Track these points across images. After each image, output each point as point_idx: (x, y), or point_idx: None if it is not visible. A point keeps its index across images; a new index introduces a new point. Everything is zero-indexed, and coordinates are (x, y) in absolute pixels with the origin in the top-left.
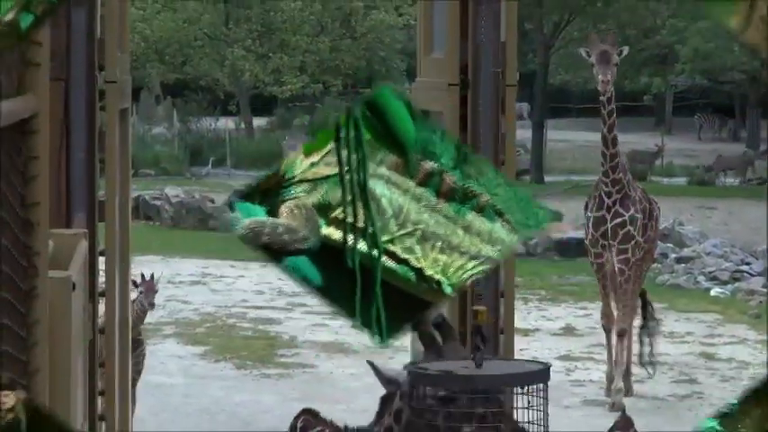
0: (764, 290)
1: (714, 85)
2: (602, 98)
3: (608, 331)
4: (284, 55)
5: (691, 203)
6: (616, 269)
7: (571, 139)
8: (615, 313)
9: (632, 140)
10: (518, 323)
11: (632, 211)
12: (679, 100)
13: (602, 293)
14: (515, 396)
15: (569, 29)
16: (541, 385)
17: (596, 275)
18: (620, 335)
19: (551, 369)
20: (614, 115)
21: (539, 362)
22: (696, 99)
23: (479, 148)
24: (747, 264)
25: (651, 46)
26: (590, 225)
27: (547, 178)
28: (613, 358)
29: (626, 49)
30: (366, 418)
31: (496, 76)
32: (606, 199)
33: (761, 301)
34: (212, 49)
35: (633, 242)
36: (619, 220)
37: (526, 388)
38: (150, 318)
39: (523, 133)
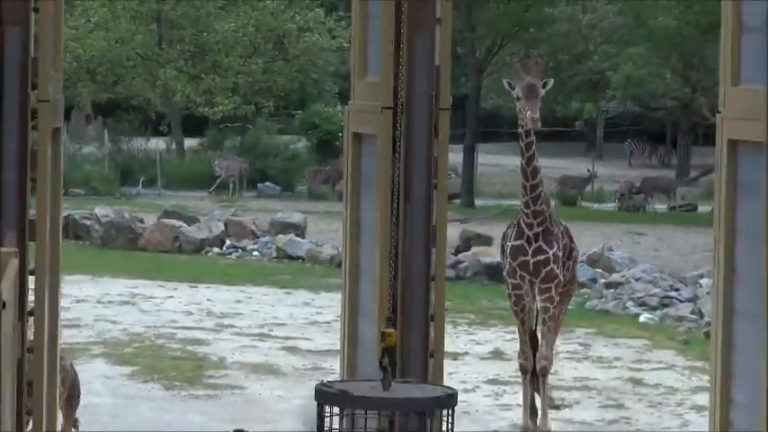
0: (693, 316)
1: (645, 112)
2: (520, 130)
3: (525, 372)
4: (216, 76)
5: (620, 229)
6: (539, 307)
7: (502, 163)
8: (532, 352)
9: (563, 165)
10: (447, 347)
11: (555, 249)
12: (610, 126)
13: (521, 329)
14: (426, 419)
15: (502, 53)
16: (448, 411)
17: (513, 308)
18: (543, 373)
19: (481, 393)
20: (534, 146)
21: (448, 387)
22: (627, 125)
23: (412, 171)
24: (676, 290)
25: (583, 71)
26: (508, 254)
27: (477, 202)
28: (529, 401)
29: (551, 82)
30: None
31: (430, 99)
32: (527, 230)
33: (689, 328)
34: (144, 69)
35: (556, 281)
36: (542, 257)
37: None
38: (79, 337)
39: (454, 157)
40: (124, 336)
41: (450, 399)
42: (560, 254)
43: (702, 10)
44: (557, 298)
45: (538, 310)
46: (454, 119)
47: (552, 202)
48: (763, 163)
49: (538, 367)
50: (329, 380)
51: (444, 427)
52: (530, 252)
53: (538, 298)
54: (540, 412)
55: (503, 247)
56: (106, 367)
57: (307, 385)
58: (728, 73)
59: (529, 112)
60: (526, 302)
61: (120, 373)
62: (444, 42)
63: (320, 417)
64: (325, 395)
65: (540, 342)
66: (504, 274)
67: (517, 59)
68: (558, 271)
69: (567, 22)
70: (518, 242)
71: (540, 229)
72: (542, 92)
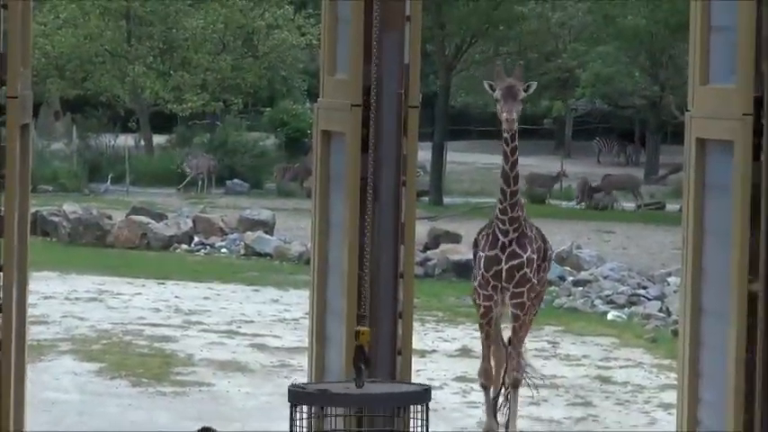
0: (661, 314)
1: (614, 110)
2: (505, 135)
3: (486, 389)
4: (185, 73)
5: (588, 227)
6: (510, 314)
7: (470, 161)
8: (494, 368)
9: (531, 163)
10: (415, 344)
11: (529, 252)
12: (579, 124)
13: (485, 344)
14: (395, 418)
15: (471, 51)
16: (421, 407)
17: (480, 321)
18: (515, 385)
19: (449, 391)
20: (517, 153)
21: (420, 384)
22: (596, 123)
23: (381, 169)
24: (644, 288)
25: (552, 70)
26: (481, 264)
27: (446, 200)
28: (493, 419)
29: (534, 85)
30: None
31: (399, 97)
32: (502, 237)
33: (657, 326)
34: (113, 65)
35: (529, 285)
36: (516, 261)
37: (405, 409)
38: (46, 334)
39: (423, 155)
40: (92, 332)
41: (425, 394)
42: (534, 257)
43: (671, 9)
44: (528, 304)
45: (509, 317)
46: (423, 116)
47: (522, 200)
48: (732, 162)
49: (509, 379)
50: (301, 381)
51: (412, 425)
52: (503, 258)
53: (509, 303)
54: (509, 422)
55: (475, 254)
56: (74, 364)
57: (274, 382)
58: (697, 72)
59: (504, 114)
60: (494, 315)
61: (88, 369)
62: (414, 40)
63: (292, 418)
64: (300, 395)
65: (509, 352)
66: (475, 284)
67: (501, 68)
68: (532, 275)
69: (536, 21)
70: (492, 252)
71: (516, 234)
72: (523, 94)
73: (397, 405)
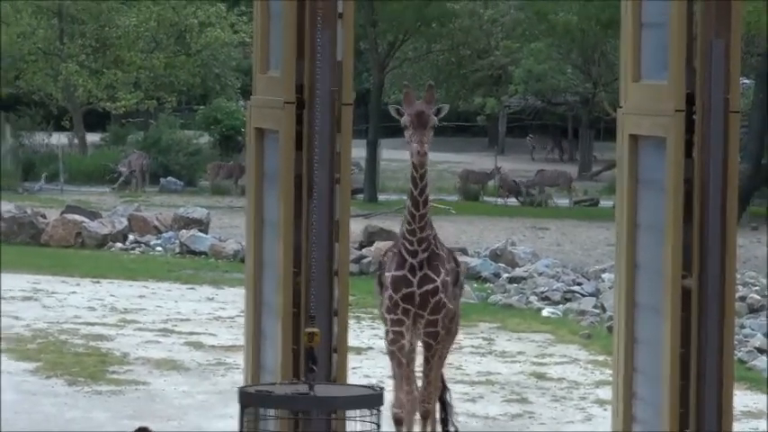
0: (595, 310)
1: (547, 107)
2: (413, 159)
3: (400, 424)
4: (118, 71)
5: (523, 223)
6: (423, 343)
7: (405, 158)
8: (408, 399)
9: (465, 160)
10: (351, 342)
11: (443, 275)
12: (512, 121)
13: (397, 373)
14: (346, 421)
15: (404, 48)
16: (373, 410)
17: (389, 348)
18: (425, 416)
19: (385, 388)
20: (426, 177)
21: (372, 387)
22: (529, 120)
23: (315, 166)
24: (579, 284)
25: (485, 67)
26: (389, 286)
27: (380, 197)
28: None
29: (445, 108)
30: None
31: (333, 94)
32: (410, 258)
33: (592, 322)
34: (46, 63)
35: (443, 312)
36: (430, 286)
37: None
38: None
39: (357, 152)
40: (27, 331)
41: (378, 397)
42: (448, 279)
43: (602, 5)
44: (441, 332)
45: (422, 346)
46: (357, 114)
47: (456, 197)
48: (665, 158)
49: (420, 410)
50: (251, 384)
51: (362, 428)
52: (415, 282)
53: (422, 332)
54: None
55: (380, 278)
56: (8, 363)
57: (210, 381)
58: (629, 68)
59: (415, 145)
60: (405, 342)
61: (23, 368)
62: (347, 38)
63: (242, 420)
64: (252, 397)
65: (423, 384)
66: (383, 310)
67: (411, 90)
68: (447, 300)
69: (468, 18)
70: (400, 272)
71: (425, 255)
72: (434, 120)
73: (350, 407)
